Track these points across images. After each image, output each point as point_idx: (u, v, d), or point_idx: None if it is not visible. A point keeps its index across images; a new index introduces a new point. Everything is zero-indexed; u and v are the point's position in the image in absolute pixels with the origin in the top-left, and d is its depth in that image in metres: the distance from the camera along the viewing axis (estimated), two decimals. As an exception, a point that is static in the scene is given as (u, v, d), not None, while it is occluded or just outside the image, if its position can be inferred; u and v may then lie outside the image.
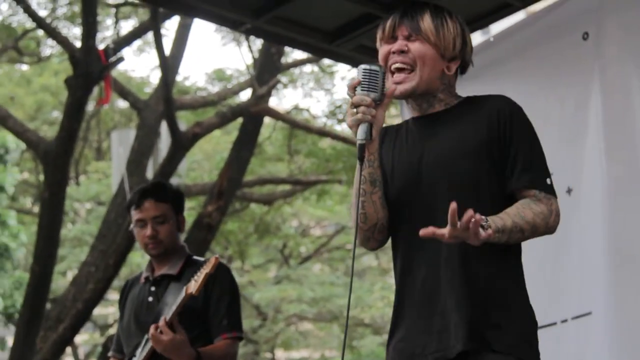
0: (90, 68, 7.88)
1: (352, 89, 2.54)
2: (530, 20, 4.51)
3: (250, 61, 10.39)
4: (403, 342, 2.61)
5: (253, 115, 9.10)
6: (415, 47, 2.61)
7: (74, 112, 8.13)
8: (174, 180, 11.24)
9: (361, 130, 2.52)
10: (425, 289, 2.58)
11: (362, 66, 2.56)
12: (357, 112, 2.51)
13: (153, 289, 3.83)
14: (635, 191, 3.93)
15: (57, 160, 8.25)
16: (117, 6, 10.82)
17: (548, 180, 2.62)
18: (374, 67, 2.55)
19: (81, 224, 17.26)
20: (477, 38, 5.03)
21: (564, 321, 4.14)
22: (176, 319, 3.54)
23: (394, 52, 2.62)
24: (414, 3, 2.69)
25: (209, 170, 14.79)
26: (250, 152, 9.59)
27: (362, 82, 2.53)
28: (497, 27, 4.95)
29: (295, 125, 11.34)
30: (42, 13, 11.41)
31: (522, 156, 2.59)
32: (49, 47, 12.99)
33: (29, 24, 11.14)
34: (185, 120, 11.70)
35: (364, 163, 2.57)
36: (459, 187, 2.56)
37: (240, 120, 9.91)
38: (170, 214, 3.81)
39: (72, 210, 17.82)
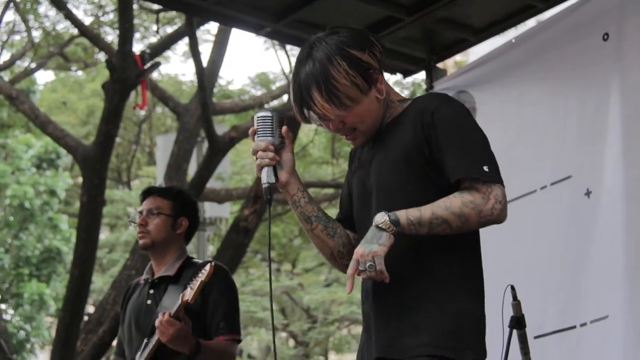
0: (127, 73, 7.96)
1: (252, 137, 2.59)
2: (551, 22, 4.48)
3: (288, 64, 10.40)
4: (360, 350, 2.67)
5: (290, 119, 9.08)
6: (346, 119, 2.53)
7: (111, 116, 8.22)
8: (217, 184, 11.31)
9: (264, 174, 2.56)
10: (371, 298, 2.59)
11: (256, 115, 2.61)
12: (256, 159, 2.56)
13: (152, 291, 3.86)
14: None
15: (95, 164, 8.35)
16: (159, 12, 10.91)
17: (485, 168, 2.47)
18: (266, 114, 2.59)
19: (134, 228, 17.42)
20: (498, 41, 5.00)
21: (584, 324, 4.10)
22: (182, 310, 3.57)
23: (335, 129, 2.59)
24: (300, 94, 2.54)
25: (255, 174, 14.84)
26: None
27: (258, 130, 2.58)
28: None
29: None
30: (88, 20, 11.58)
31: (451, 149, 2.49)
32: (98, 53, 13.15)
33: (75, 30, 11.28)
34: (229, 125, 11.75)
35: (293, 205, 2.61)
36: (389, 197, 2.54)
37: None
38: (165, 209, 3.88)
39: (125, 215, 18.02)
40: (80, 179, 17.65)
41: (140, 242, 3.91)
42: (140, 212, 3.91)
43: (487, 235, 4.55)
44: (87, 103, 17.01)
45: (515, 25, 4.84)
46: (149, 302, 3.84)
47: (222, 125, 11.20)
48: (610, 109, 4.08)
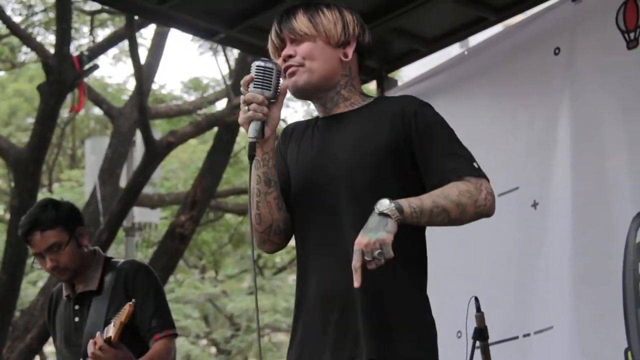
0: (64, 75, 7.82)
1: (246, 85, 2.50)
2: (503, 35, 4.53)
3: (226, 70, 10.37)
4: (300, 348, 2.57)
5: (228, 125, 9.05)
6: (301, 47, 2.60)
7: (47, 119, 8.06)
8: (149, 190, 11.18)
9: (252, 128, 2.48)
10: (321, 294, 2.53)
11: (256, 63, 2.52)
12: (248, 110, 2.47)
13: (77, 307, 3.71)
14: (599, 208, 3.94)
15: (28, 167, 8.18)
16: (93, 14, 10.75)
17: (475, 164, 2.55)
18: (268, 65, 2.52)
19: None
20: (453, 51, 5.06)
21: (527, 335, 4.14)
22: (118, 336, 3.44)
23: (284, 59, 2.62)
24: (289, 8, 2.68)
25: (184, 180, 14.73)
26: (225, 161, 9.54)
27: (255, 80, 2.49)
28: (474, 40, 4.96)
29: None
30: (17, 19, 11.34)
31: (438, 150, 2.54)
32: (24, 54, 12.91)
33: (3, 30, 11.06)
34: (160, 129, 11.64)
35: (259, 162, 2.53)
36: (359, 191, 2.52)
37: (215, 129, 9.87)
38: (63, 237, 3.63)
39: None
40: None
41: (64, 279, 3.70)
42: (39, 254, 3.65)
43: (436, 245, 4.66)
44: (10, 103, 16.66)
45: (467, 37, 4.90)
46: (76, 319, 3.70)
47: (154, 130, 11.09)
48: (560, 124, 4.14)
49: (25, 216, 3.74)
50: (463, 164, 2.53)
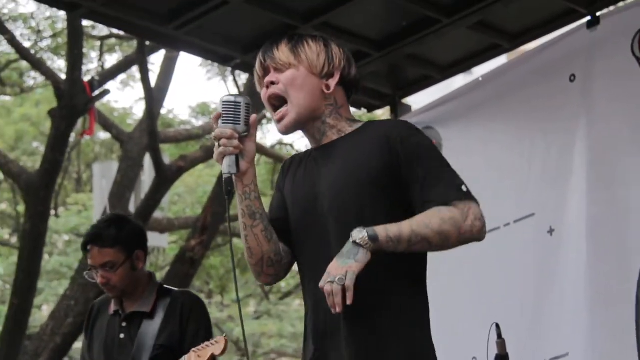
0: (75, 100, 7.85)
1: (215, 121, 2.49)
2: (519, 61, 4.54)
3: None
4: None
5: (238, 150, 9.05)
6: (284, 75, 2.58)
7: (58, 144, 8.08)
8: (158, 214, 11.19)
9: (225, 164, 2.47)
10: (324, 324, 2.52)
11: (223, 98, 2.50)
12: (219, 146, 2.47)
13: (124, 324, 3.72)
14: (614, 234, 3.96)
15: (39, 192, 8.18)
16: (102, 39, 10.80)
17: (464, 187, 2.48)
18: (237, 100, 2.50)
19: (59, 256, 17.08)
20: (463, 79, 5.07)
21: None
22: None
23: (266, 87, 2.61)
24: (274, 39, 2.67)
25: (191, 204, 14.73)
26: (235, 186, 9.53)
27: (224, 115, 2.48)
28: (483, 68, 4.97)
29: (279, 160, 11.35)
30: (26, 44, 11.40)
31: (425, 175, 2.49)
32: (32, 79, 12.97)
33: (12, 55, 11.11)
34: (169, 154, 11.68)
35: (240, 196, 2.52)
36: (345, 218, 2.50)
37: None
38: (119, 258, 3.66)
39: (50, 243, 17.65)
40: (4, 205, 17.24)
41: (111, 295, 3.73)
42: (94, 268, 3.68)
43: (452, 271, 4.67)
44: (16, 128, 16.70)
45: (480, 64, 4.91)
46: (122, 336, 3.71)
47: (163, 155, 11.11)
48: (576, 150, 4.15)
49: (90, 227, 3.79)
50: (450, 188, 2.47)
